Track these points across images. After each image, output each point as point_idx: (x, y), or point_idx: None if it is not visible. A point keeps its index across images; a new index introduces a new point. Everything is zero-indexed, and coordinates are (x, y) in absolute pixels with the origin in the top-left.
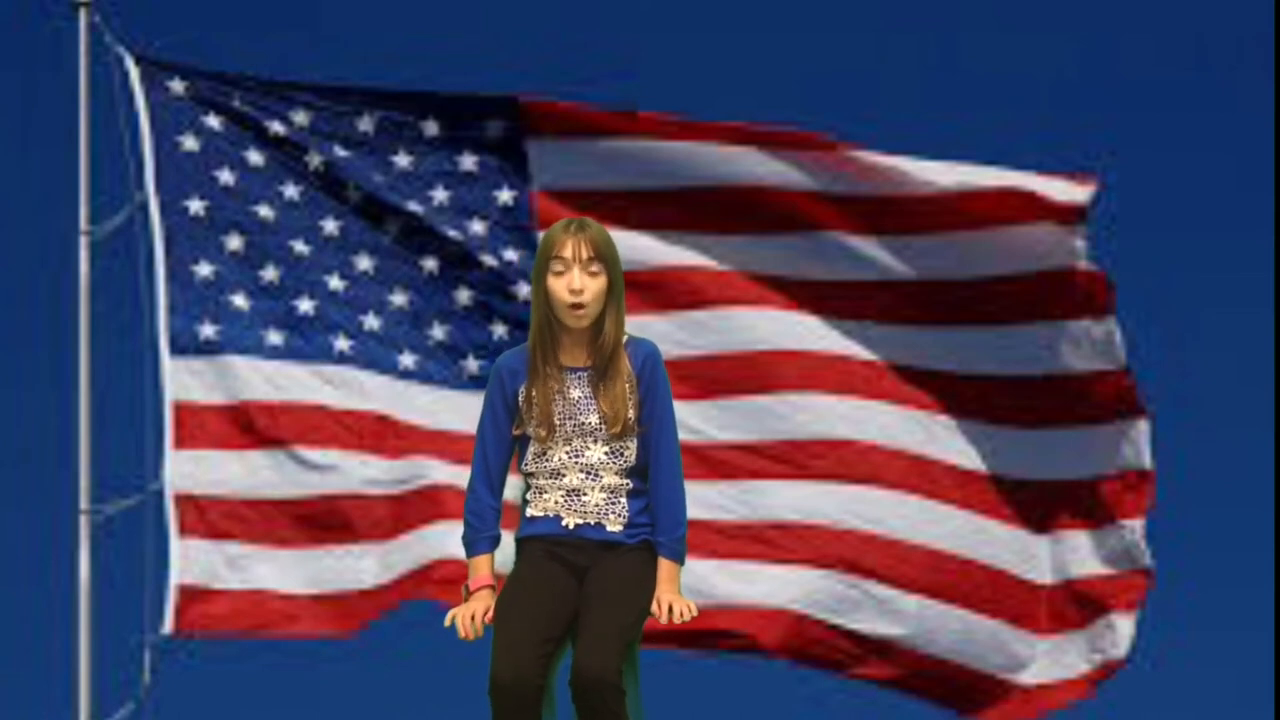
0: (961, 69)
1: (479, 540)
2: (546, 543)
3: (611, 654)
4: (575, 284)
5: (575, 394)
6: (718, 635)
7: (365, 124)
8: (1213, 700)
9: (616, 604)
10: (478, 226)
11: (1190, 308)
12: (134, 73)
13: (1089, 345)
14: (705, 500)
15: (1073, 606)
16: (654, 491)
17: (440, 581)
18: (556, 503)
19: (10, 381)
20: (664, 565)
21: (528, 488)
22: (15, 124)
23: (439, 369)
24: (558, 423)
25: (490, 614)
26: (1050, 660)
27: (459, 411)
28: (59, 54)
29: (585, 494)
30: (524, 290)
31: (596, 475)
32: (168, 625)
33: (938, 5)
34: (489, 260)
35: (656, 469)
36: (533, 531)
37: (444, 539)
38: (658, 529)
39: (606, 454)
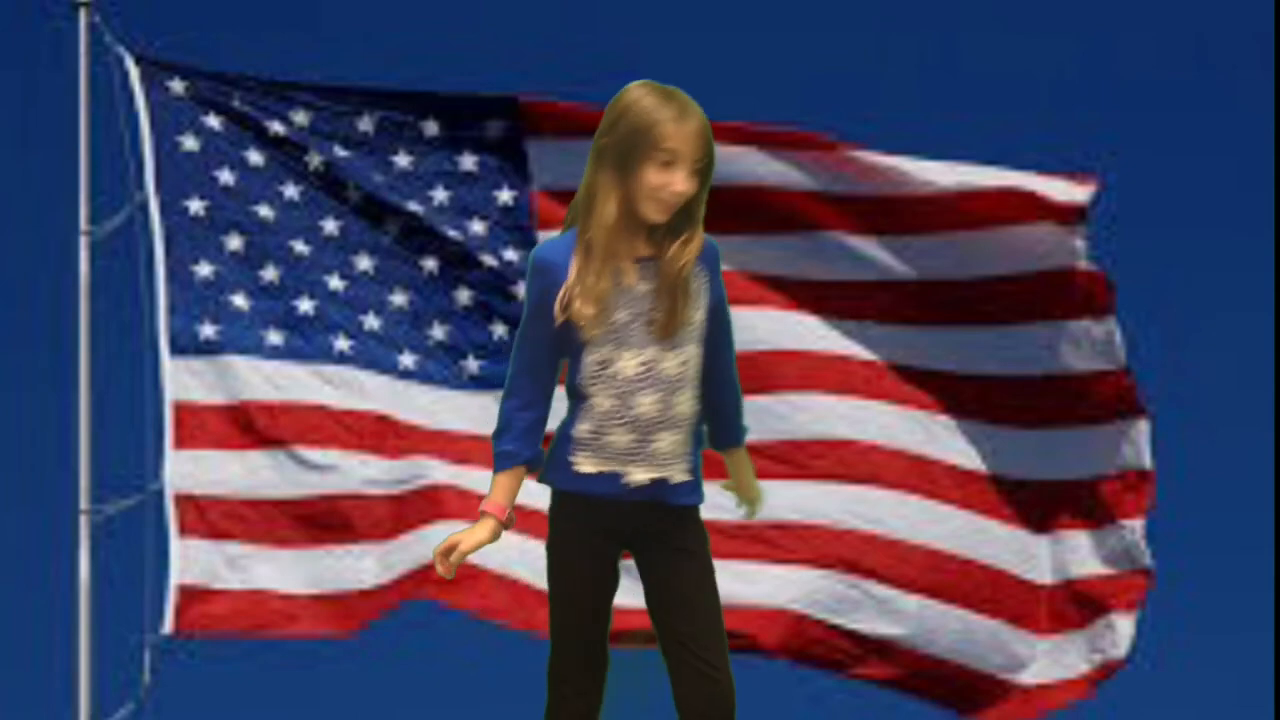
0: (961, 69)
1: (504, 456)
2: (600, 513)
3: (732, 688)
4: (680, 185)
5: (642, 288)
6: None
7: (365, 124)
8: (1213, 701)
9: (717, 626)
10: (478, 226)
11: (1190, 308)
12: (134, 73)
13: (1089, 345)
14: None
15: (1073, 606)
16: (721, 399)
17: (440, 581)
18: (619, 449)
19: (10, 381)
20: (742, 458)
21: (576, 413)
22: (15, 124)
23: (439, 369)
24: (623, 319)
25: (467, 544)
26: (1050, 660)
27: (459, 411)
28: (59, 54)
29: (654, 435)
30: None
31: (671, 393)
32: (168, 625)
33: (938, 5)
34: (489, 260)
35: (723, 379)
36: (584, 489)
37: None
38: (729, 432)
39: (679, 365)
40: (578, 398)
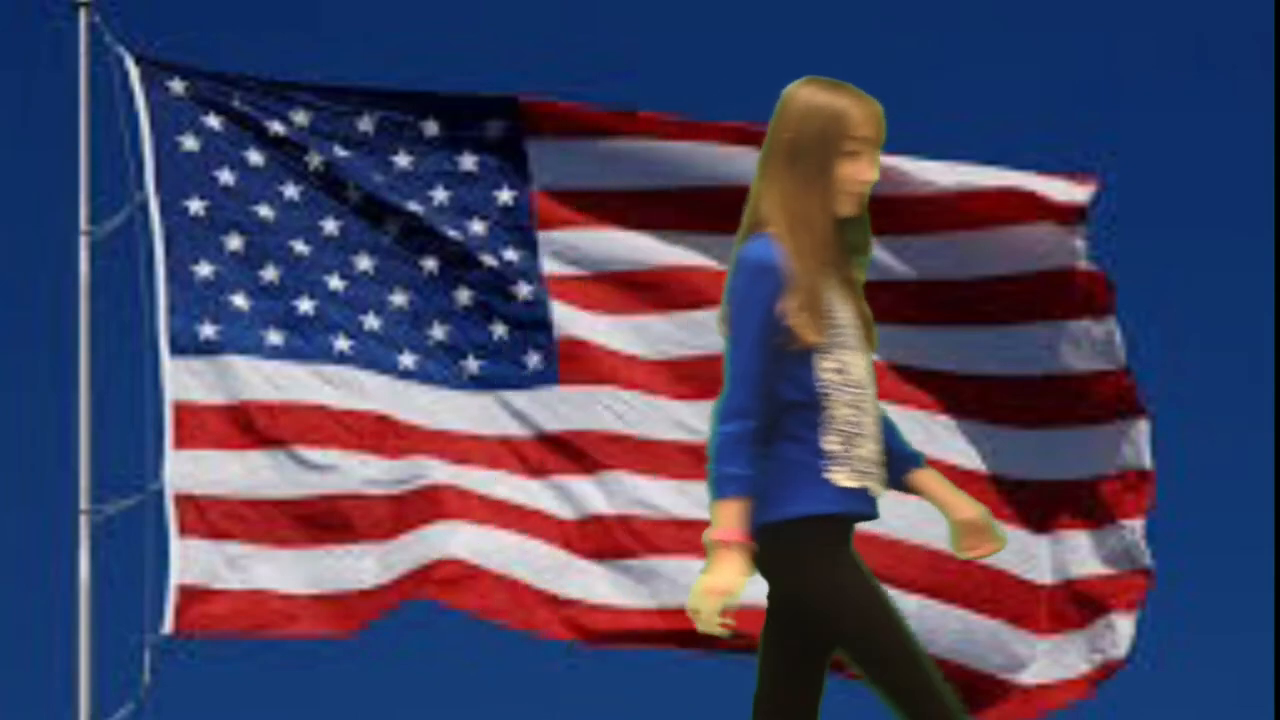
0: (961, 69)
1: (735, 481)
2: (850, 532)
3: None
4: (869, 174)
5: (834, 295)
6: (718, 635)
7: (365, 124)
8: (1213, 701)
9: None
10: (478, 226)
11: (1190, 308)
12: (134, 73)
13: (1089, 345)
14: (705, 500)
15: (1073, 606)
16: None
17: (440, 581)
18: (868, 461)
19: (10, 381)
20: (942, 482)
21: (815, 426)
22: (15, 124)
23: (439, 369)
24: (843, 321)
25: (735, 587)
26: (1050, 660)
27: (459, 411)
28: (59, 54)
29: (878, 443)
30: (524, 290)
31: (875, 398)
32: (168, 625)
33: (938, 5)
34: (489, 260)
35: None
36: (848, 507)
37: (444, 539)
38: (906, 452)
39: (871, 367)
40: (808, 409)
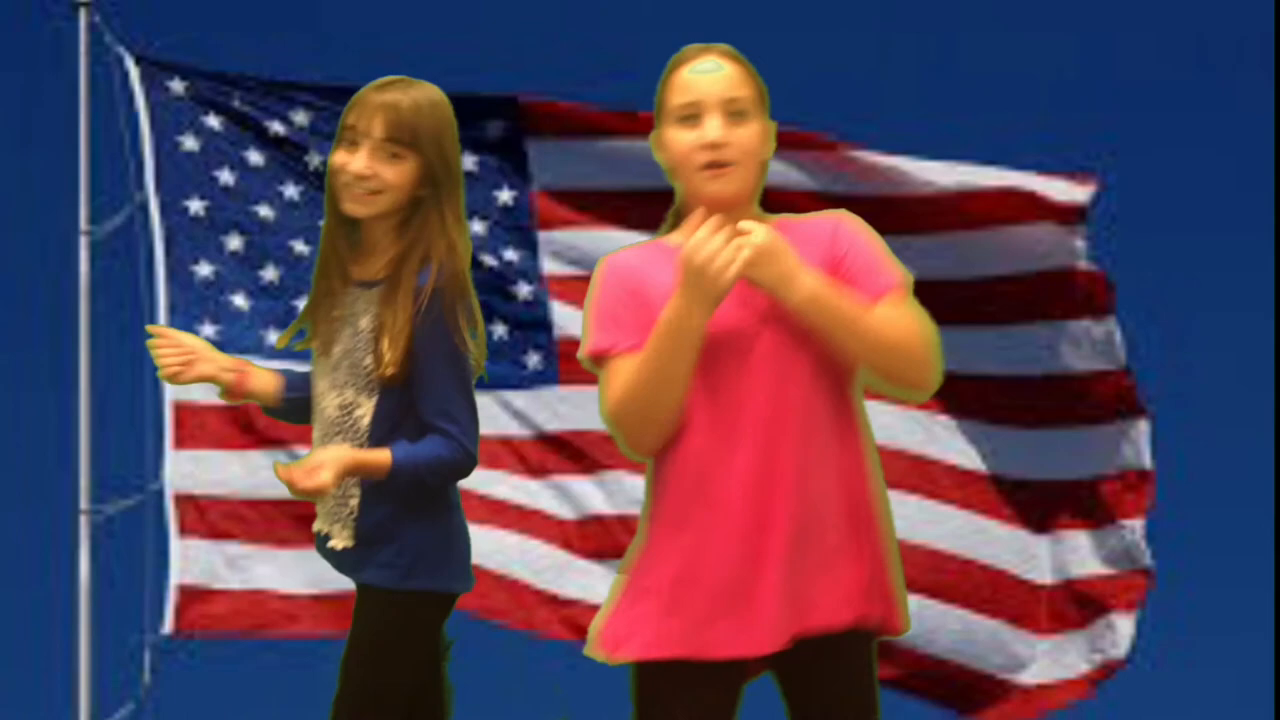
0: (961, 69)
1: None
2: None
3: None
4: (354, 165)
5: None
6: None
7: None
8: (1213, 701)
9: None
10: (478, 226)
11: (1190, 308)
12: (134, 73)
13: (1089, 345)
14: None
15: (1073, 606)
16: None
17: None
18: (323, 504)
19: (10, 381)
20: None
21: None
22: (15, 124)
23: None
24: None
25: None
26: (1050, 660)
27: None
28: (59, 54)
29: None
30: (524, 290)
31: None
32: (168, 625)
33: (938, 5)
34: (489, 260)
35: None
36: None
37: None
38: None
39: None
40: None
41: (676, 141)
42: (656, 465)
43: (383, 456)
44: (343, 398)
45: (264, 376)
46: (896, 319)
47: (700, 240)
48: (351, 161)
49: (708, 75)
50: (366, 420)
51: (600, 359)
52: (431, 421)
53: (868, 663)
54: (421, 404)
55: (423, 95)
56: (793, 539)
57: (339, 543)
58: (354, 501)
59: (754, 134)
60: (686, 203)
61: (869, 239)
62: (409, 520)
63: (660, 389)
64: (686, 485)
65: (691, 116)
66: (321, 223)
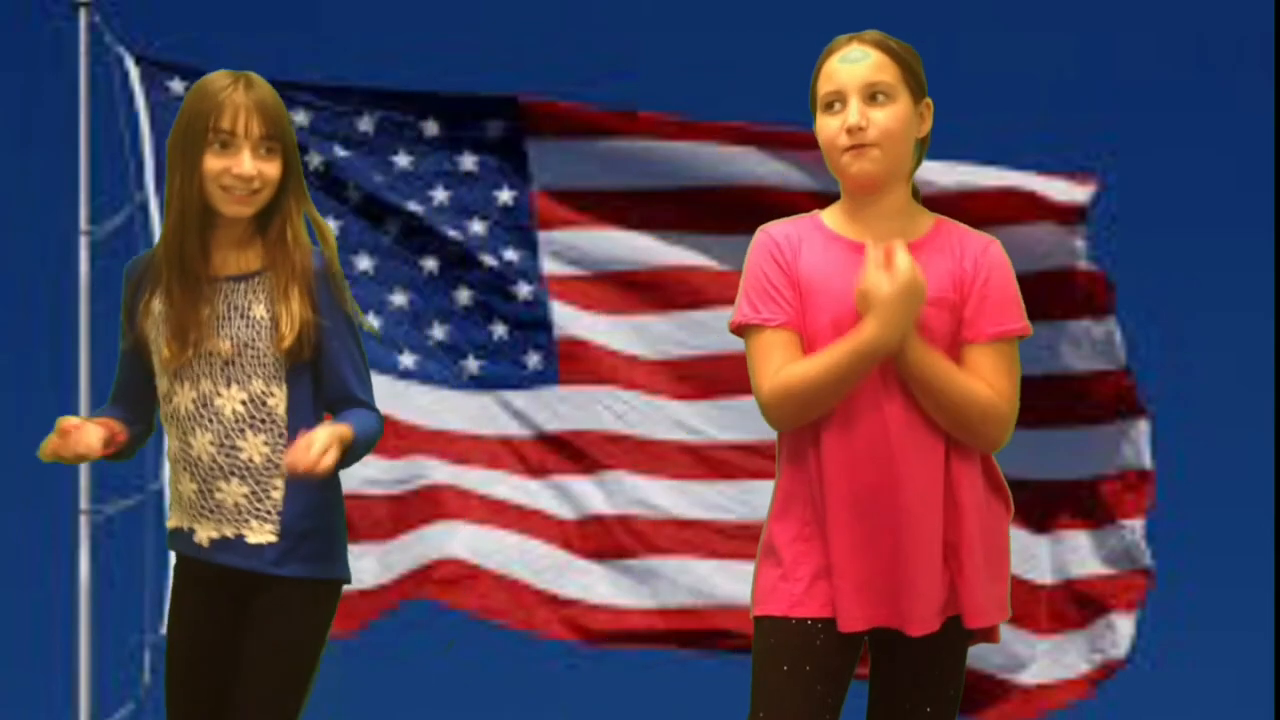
0: (961, 69)
1: None
2: (198, 571)
3: None
4: (239, 167)
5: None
6: (718, 635)
7: (365, 124)
8: (1213, 700)
9: None
10: (478, 226)
11: (1190, 308)
12: (134, 73)
13: (1089, 345)
14: (705, 500)
15: (1073, 606)
16: None
17: (440, 581)
18: (188, 502)
19: (10, 381)
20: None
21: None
22: (15, 124)
23: (439, 369)
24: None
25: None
26: (1050, 660)
27: (459, 411)
28: (59, 54)
29: (211, 481)
30: (524, 290)
31: (216, 438)
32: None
33: (938, 5)
34: (489, 260)
35: None
36: (177, 548)
37: (444, 539)
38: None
39: None
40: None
41: (823, 128)
42: (791, 438)
43: (349, 430)
44: (248, 391)
45: (99, 428)
46: (978, 395)
47: (879, 278)
48: (234, 165)
49: (851, 64)
50: (282, 408)
51: (749, 331)
52: (353, 394)
53: (964, 657)
54: (338, 381)
55: (268, 87)
56: (927, 530)
57: (258, 538)
58: (277, 494)
59: (894, 115)
60: (843, 186)
61: (1008, 277)
62: (330, 508)
63: (833, 397)
64: (814, 465)
65: (836, 104)
66: (162, 226)
